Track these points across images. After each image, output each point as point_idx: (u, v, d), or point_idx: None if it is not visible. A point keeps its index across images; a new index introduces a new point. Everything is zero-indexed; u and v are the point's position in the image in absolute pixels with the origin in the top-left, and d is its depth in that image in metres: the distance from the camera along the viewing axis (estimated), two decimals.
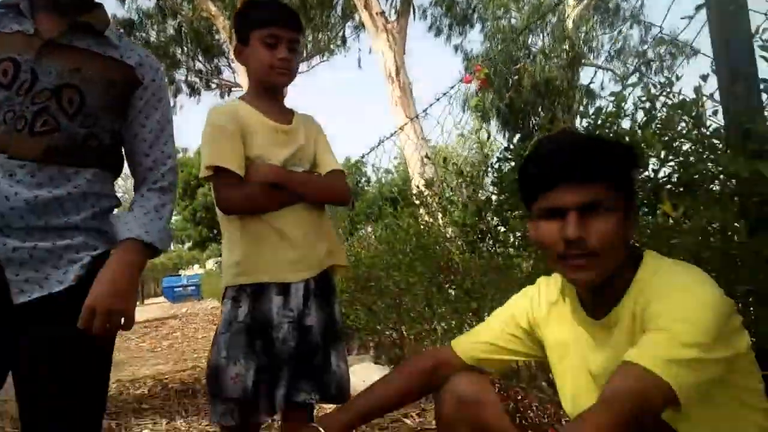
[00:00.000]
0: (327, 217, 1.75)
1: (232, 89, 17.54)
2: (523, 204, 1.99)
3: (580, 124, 1.83)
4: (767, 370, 1.11)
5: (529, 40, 11.23)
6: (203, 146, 1.61)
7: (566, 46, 10.86)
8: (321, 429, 1.24)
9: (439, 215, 2.82)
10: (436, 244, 2.81)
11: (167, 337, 9.17)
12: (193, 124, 5.85)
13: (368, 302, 3.87)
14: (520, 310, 1.28)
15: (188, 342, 8.17)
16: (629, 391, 0.80)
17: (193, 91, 18.04)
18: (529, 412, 1.23)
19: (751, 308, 1.11)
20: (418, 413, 3.06)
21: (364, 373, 3.49)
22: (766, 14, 1.24)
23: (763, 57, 1.14)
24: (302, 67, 16.16)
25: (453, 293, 2.76)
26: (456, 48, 14.52)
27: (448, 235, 2.78)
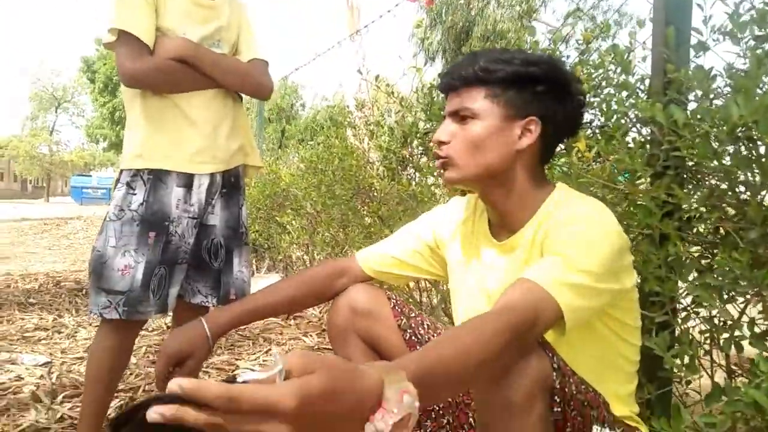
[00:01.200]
0: (243, 110, 1.64)
1: None
2: None
3: None
4: (646, 309, 1.17)
5: None
6: (111, 10, 1.44)
7: None
8: (204, 322, 1.20)
9: (366, 139, 2.76)
10: (358, 168, 2.77)
11: (68, 236, 8.74)
12: None
13: (283, 221, 3.81)
14: (428, 226, 1.27)
15: (90, 244, 7.81)
16: (521, 304, 0.81)
17: None
18: (419, 329, 1.24)
19: (641, 250, 1.15)
20: (318, 333, 3.11)
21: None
22: None
23: (698, 5, 1.13)
24: None
25: (368, 219, 2.75)
26: None
27: (371, 160, 2.74)
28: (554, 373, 0.86)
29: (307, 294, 1.30)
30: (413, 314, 1.31)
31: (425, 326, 1.30)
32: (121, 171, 1.51)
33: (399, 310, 1.29)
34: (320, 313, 3.46)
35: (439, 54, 10.60)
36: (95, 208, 19.82)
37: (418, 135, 2.19)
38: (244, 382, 0.51)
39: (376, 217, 2.53)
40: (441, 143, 1.08)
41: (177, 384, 0.49)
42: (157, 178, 1.48)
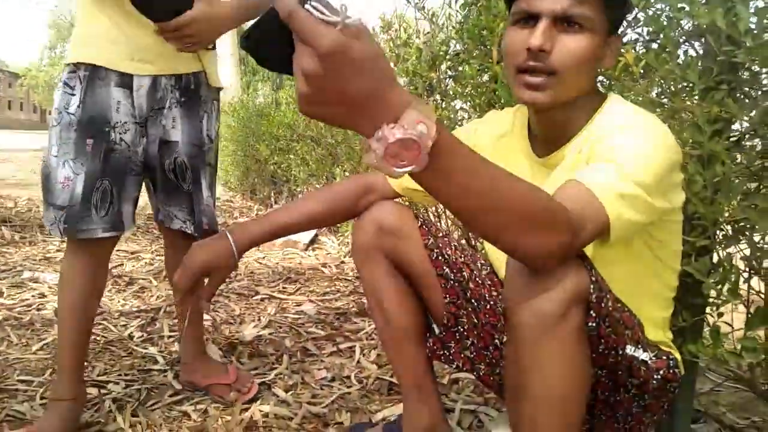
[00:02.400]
0: None
1: None
2: (480, 53, 1.89)
3: None
4: (687, 234, 1.11)
5: None
6: None
7: None
8: (230, 236, 1.17)
9: (392, 63, 2.65)
10: None
11: None
12: None
13: (302, 152, 3.76)
14: (463, 135, 1.20)
15: None
16: (568, 204, 0.76)
17: None
18: (447, 249, 1.20)
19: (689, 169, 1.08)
20: (337, 265, 3.12)
21: None
22: None
23: None
24: None
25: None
26: None
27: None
28: (591, 287, 0.82)
29: (334, 211, 1.26)
30: (441, 234, 1.27)
31: (452, 247, 1.26)
32: (64, 67, 1.37)
33: (426, 229, 1.25)
34: (339, 245, 3.46)
35: None
36: None
37: (447, 57, 2.09)
38: (310, 6, 0.54)
39: None
40: (542, 51, 0.91)
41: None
42: (94, 75, 1.33)
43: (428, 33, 2.27)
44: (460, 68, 2.03)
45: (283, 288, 2.70)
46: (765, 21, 0.94)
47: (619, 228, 0.81)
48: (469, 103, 2.00)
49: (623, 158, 0.84)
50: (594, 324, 0.83)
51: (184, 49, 1.39)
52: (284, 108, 4.33)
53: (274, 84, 4.73)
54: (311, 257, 3.28)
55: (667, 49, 1.15)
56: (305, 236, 3.34)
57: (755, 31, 0.99)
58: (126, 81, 1.35)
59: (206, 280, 1.15)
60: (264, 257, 3.24)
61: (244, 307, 2.42)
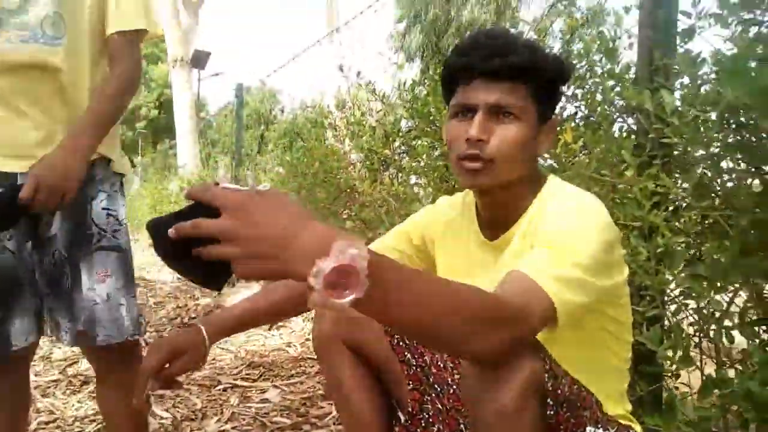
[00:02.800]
0: (62, 83, 1.23)
1: None
2: (430, 131, 1.96)
3: None
4: (636, 304, 1.14)
5: None
6: None
7: None
8: (203, 327, 1.13)
9: (346, 140, 2.72)
10: (339, 170, 2.72)
11: None
12: None
13: None
14: (416, 226, 1.22)
15: None
16: (512, 297, 0.76)
17: None
18: None
19: (631, 242, 1.12)
20: (302, 343, 3.05)
21: None
22: None
23: None
24: None
25: (350, 223, 2.70)
26: None
27: (352, 161, 2.69)
28: (546, 375, 0.82)
29: (302, 301, 1.24)
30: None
31: None
32: None
33: None
34: (303, 321, 3.40)
35: (418, 54, 10.57)
36: None
37: (400, 134, 2.15)
38: (223, 185, 0.59)
39: (359, 221, 2.48)
40: (479, 141, 0.95)
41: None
42: None
43: (380, 111, 2.35)
44: (413, 143, 2.09)
45: (247, 374, 2.61)
46: (689, 107, 1.00)
47: (565, 312, 0.82)
48: (423, 179, 2.05)
49: (561, 243, 0.86)
50: (552, 412, 0.83)
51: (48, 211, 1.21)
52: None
53: (233, 158, 4.78)
54: (275, 337, 3.20)
55: (602, 127, 1.22)
56: None
57: (681, 110, 1.06)
58: (10, 179, 1.19)
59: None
60: (226, 341, 3.14)
61: (206, 400, 2.31)
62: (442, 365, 1.22)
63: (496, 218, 1.05)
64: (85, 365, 2.77)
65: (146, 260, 7.29)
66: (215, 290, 0.63)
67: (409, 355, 1.24)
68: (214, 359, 2.84)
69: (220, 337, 1.16)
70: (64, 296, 1.25)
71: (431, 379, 1.21)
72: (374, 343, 1.23)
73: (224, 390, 2.43)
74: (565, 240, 0.86)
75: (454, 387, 1.18)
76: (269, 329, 3.26)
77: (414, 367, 1.22)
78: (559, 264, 0.84)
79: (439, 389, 1.19)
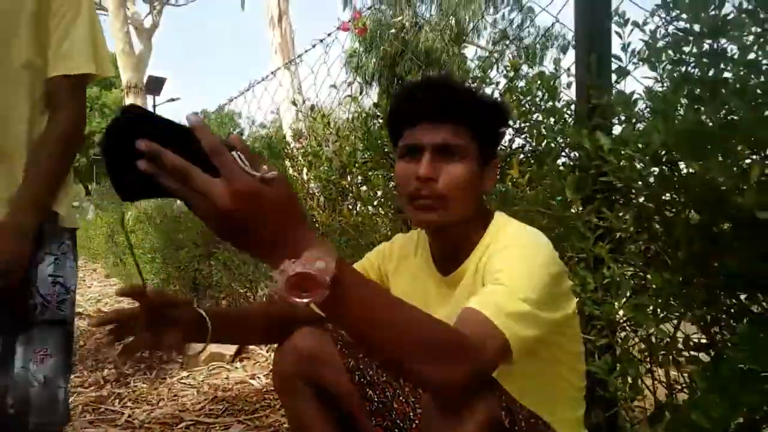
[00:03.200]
0: (16, 136, 1.11)
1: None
2: (385, 163, 1.99)
3: None
4: (587, 333, 1.18)
5: (419, 9, 11.31)
6: None
7: (452, 21, 11.10)
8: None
9: (305, 170, 2.72)
10: (298, 199, 2.72)
11: None
12: None
13: (224, 257, 3.70)
14: (371, 263, 1.25)
15: None
16: (468, 333, 0.79)
17: None
18: (368, 370, 1.21)
19: (578, 274, 1.17)
20: (266, 375, 3.01)
21: None
22: None
23: (617, 33, 1.17)
24: None
25: None
26: (345, 3, 14.26)
27: (310, 191, 2.70)
28: (503, 412, 0.84)
29: (271, 334, 1.26)
30: (361, 354, 1.27)
31: (373, 367, 1.26)
32: None
33: (346, 351, 1.25)
34: (267, 352, 3.36)
35: (375, 80, 10.72)
36: None
37: (356, 165, 2.18)
38: (237, 154, 0.59)
39: None
40: (429, 180, 1.00)
41: (142, 143, 0.57)
42: None
43: (336, 142, 2.37)
44: (369, 174, 2.12)
45: (210, 410, 2.56)
46: (623, 148, 1.06)
47: (517, 346, 0.85)
48: (381, 209, 2.07)
49: (510, 280, 0.90)
50: None
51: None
52: None
53: None
54: (239, 369, 3.15)
55: (546, 163, 1.27)
56: (231, 347, 3.22)
57: (617, 148, 1.11)
58: None
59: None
60: (188, 375, 3.08)
61: None
62: (404, 400, 1.23)
63: (449, 254, 1.09)
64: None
65: (103, 291, 7.09)
66: (125, 199, 0.61)
67: (370, 391, 1.25)
68: (176, 395, 2.78)
69: (211, 314, 1.08)
70: None
71: (393, 415, 1.22)
72: (334, 379, 1.23)
73: (187, 428, 2.38)
74: (513, 277, 0.90)
75: (416, 422, 1.20)
76: (232, 361, 3.21)
77: (376, 403, 1.23)
78: (509, 300, 0.87)
79: (401, 425, 1.21)
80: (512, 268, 0.92)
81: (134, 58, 10.30)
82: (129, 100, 10.27)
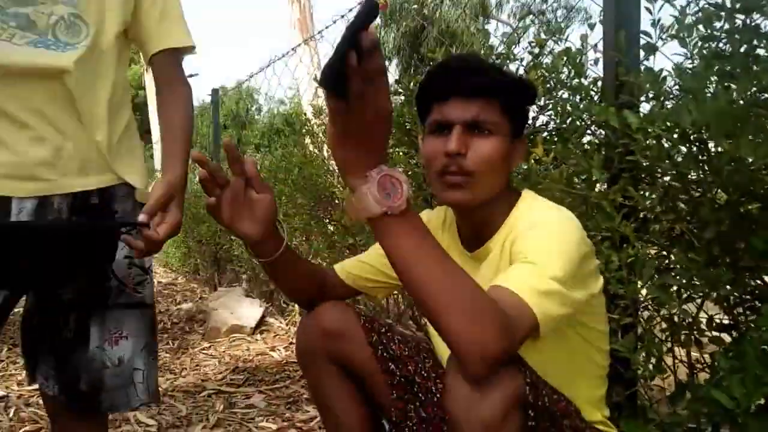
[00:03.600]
0: (99, 102, 1.10)
1: None
2: (407, 140, 1.98)
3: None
4: (611, 311, 1.18)
5: None
6: None
7: None
8: None
9: (325, 146, 2.73)
10: (318, 176, 2.73)
11: None
12: None
13: None
14: None
15: None
16: (502, 309, 0.80)
17: None
18: (391, 344, 1.23)
19: (603, 253, 1.16)
20: (285, 347, 3.07)
21: (233, 304, 3.41)
22: None
23: (647, 8, 1.15)
24: None
25: (331, 228, 2.72)
26: None
27: (331, 168, 2.71)
28: (527, 387, 0.85)
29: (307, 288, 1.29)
30: (383, 329, 1.29)
31: (396, 341, 1.28)
32: None
33: (369, 326, 1.27)
34: (287, 325, 3.42)
35: (395, 55, 10.59)
36: None
37: None
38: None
39: (340, 226, 2.50)
40: (459, 155, 0.99)
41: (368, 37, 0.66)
42: None
43: None
44: (390, 151, 2.12)
45: (231, 380, 2.63)
46: (651, 126, 1.05)
47: (546, 324, 0.86)
48: None
49: (537, 257, 0.90)
50: (533, 423, 0.86)
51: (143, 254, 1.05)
52: None
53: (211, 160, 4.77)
54: (259, 341, 3.21)
55: (571, 141, 1.26)
56: (251, 320, 3.28)
57: (645, 126, 1.10)
58: (2, 205, 1.03)
59: None
60: (210, 347, 3.15)
61: (191, 406, 2.33)
62: (425, 375, 1.25)
63: (476, 232, 1.10)
64: None
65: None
66: (321, 84, 0.69)
67: (392, 366, 1.27)
68: (198, 365, 2.85)
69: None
70: (54, 346, 1.09)
71: (415, 388, 1.24)
72: (357, 354, 1.26)
73: (209, 396, 2.44)
74: (542, 255, 0.90)
75: (438, 396, 1.22)
76: (252, 333, 3.27)
77: (398, 377, 1.25)
78: (539, 279, 0.88)
79: (423, 398, 1.23)
80: (541, 247, 0.92)
81: None
82: (149, 77, 10.30)
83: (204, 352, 3.08)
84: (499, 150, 1.01)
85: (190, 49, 1.21)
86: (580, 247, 0.95)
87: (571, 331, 1.02)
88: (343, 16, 2.61)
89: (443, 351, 1.19)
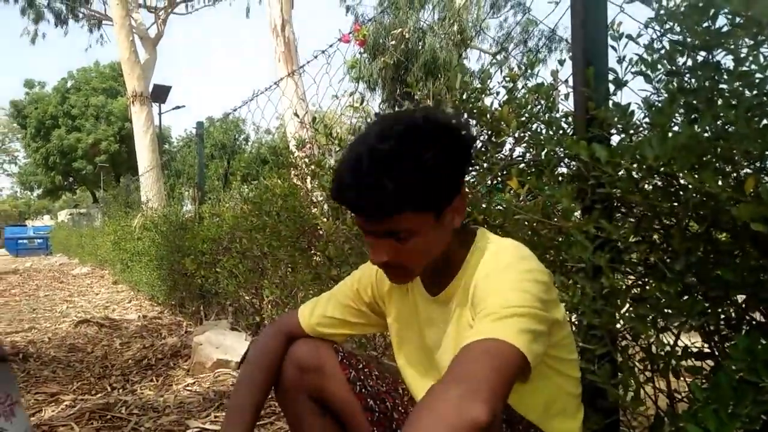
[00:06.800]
0: None
1: (103, 22, 16.01)
2: None
3: (450, 96, 1.84)
4: (586, 342, 1.19)
5: (421, 15, 11.32)
6: None
7: (455, 27, 11.12)
8: None
9: (308, 178, 2.74)
10: (302, 208, 2.74)
11: (3, 294, 8.25)
12: (53, 57, 5.18)
13: (229, 265, 3.72)
14: (365, 283, 1.26)
15: (27, 300, 7.41)
16: (491, 365, 0.78)
17: (59, 19, 16.39)
18: (369, 380, 1.22)
19: (578, 283, 1.18)
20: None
21: (219, 338, 3.37)
22: (621, 6, 1.30)
23: (612, 47, 1.18)
24: (181, 9, 15.02)
25: (316, 259, 2.71)
26: (347, 9, 14.38)
27: (315, 199, 2.72)
28: (504, 425, 0.85)
29: (275, 371, 1.28)
30: (361, 365, 1.29)
31: (374, 377, 1.28)
32: None
33: (347, 362, 1.26)
34: None
35: (380, 84, 10.72)
36: (33, 259, 18.88)
37: None
38: None
39: (324, 257, 2.49)
40: (384, 264, 1.01)
41: None
42: None
43: (338, 151, 2.39)
44: None
45: (216, 417, 2.58)
46: (620, 159, 1.07)
47: (533, 359, 0.85)
48: None
49: (506, 298, 0.90)
50: None
51: None
52: (207, 222, 4.32)
53: (196, 193, 4.73)
54: None
55: (545, 173, 1.28)
56: (236, 354, 3.24)
57: (614, 160, 1.12)
58: None
59: None
60: (194, 382, 3.10)
61: None
62: (403, 410, 1.24)
63: (435, 276, 1.11)
64: (48, 414, 2.69)
65: (111, 297, 7.13)
66: None
67: (371, 402, 1.26)
68: (181, 402, 2.80)
69: None
70: None
71: (394, 425, 1.23)
72: (336, 392, 1.25)
73: None
74: (507, 295, 0.90)
75: None
76: (238, 368, 3.22)
77: (377, 414, 1.25)
78: (514, 318, 0.87)
79: None
80: (503, 289, 0.92)
81: (139, 67, 10.38)
82: (135, 110, 10.34)
83: (188, 388, 3.02)
84: (425, 242, 0.99)
85: None
86: (539, 278, 0.95)
87: (542, 365, 1.02)
88: (323, 51, 2.65)
89: (418, 388, 1.18)
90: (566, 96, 1.38)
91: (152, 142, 10.20)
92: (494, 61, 1.64)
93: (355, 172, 0.92)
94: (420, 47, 9.96)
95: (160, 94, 12.20)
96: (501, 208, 1.36)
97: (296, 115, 2.55)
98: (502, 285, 0.92)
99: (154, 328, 4.94)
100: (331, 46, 2.60)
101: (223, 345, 3.29)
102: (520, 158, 1.56)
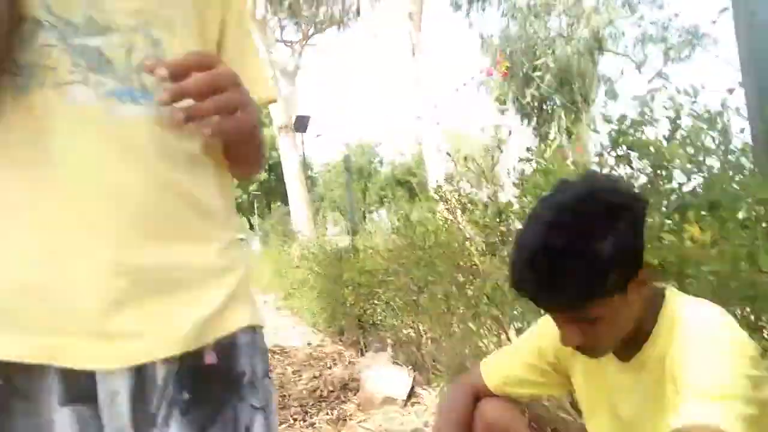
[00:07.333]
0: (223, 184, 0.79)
1: None
2: None
3: (603, 122, 1.78)
4: None
5: (548, 23, 10.93)
6: None
7: (586, 32, 10.62)
8: None
9: (458, 212, 2.79)
10: (455, 243, 2.78)
11: None
12: None
13: (386, 297, 3.87)
14: (547, 342, 1.24)
15: None
16: None
17: None
18: None
19: None
20: None
21: (382, 372, 3.49)
22: None
23: None
24: (314, 40, 15.90)
25: (472, 293, 2.73)
26: (470, 24, 14.39)
27: (467, 235, 2.75)
28: None
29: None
30: (550, 429, 1.29)
31: None
32: None
33: (534, 425, 1.27)
34: (436, 397, 3.43)
35: (511, 101, 10.47)
36: None
37: (512, 212, 2.19)
38: None
39: (484, 296, 2.51)
40: (577, 347, 1.04)
41: None
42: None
43: (489, 187, 2.41)
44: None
45: None
46: None
47: None
48: None
49: (714, 379, 0.86)
50: None
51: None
52: (362, 254, 4.52)
53: (348, 223, 5.01)
54: (411, 414, 3.24)
55: (727, 219, 1.20)
56: (402, 391, 3.34)
57: None
58: (82, 389, 0.64)
59: None
60: (367, 419, 3.24)
61: None
62: None
63: (626, 345, 1.07)
64: None
65: (280, 323, 7.64)
66: None
67: None
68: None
69: None
70: None
71: None
72: None
73: None
74: (716, 375, 0.87)
75: None
76: (404, 406, 3.32)
77: None
78: (725, 402, 0.84)
79: None
80: (711, 367, 0.88)
81: (282, 100, 11.28)
82: (282, 140, 11.26)
83: (362, 425, 3.16)
84: (615, 321, 0.99)
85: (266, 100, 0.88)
86: (746, 351, 0.90)
87: None
88: (465, 84, 2.70)
89: None
90: (741, 130, 1.29)
91: (300, 172, 10.92)
92: (652, 91, 1.57)
93: (531, 268, 0.96)
94: (551, 53, 9.60)
95: (302, 124, 12.98)
96: (678, 255, 1.29)
97: (448, 154, 2.62)
98: (708, 360, 0.89)
99: (319, 356, 5.22)
100: (472, 78, 2.64)
101: (389, 381, 3.41)
102: (691, 193, 1.47)
